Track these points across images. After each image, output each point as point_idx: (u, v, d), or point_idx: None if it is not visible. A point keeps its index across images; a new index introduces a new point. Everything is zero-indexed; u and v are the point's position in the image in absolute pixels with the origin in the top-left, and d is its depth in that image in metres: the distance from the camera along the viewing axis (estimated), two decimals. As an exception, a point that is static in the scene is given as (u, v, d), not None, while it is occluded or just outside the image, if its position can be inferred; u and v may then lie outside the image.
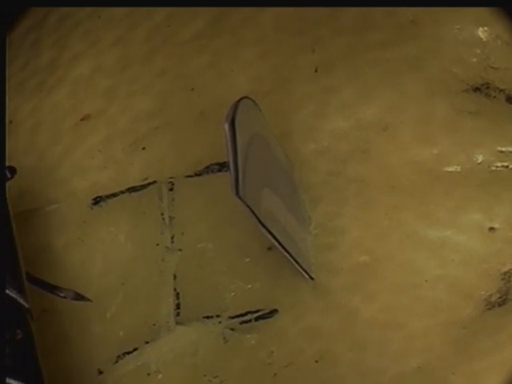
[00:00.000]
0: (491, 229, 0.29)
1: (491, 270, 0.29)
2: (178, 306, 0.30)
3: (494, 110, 0.30)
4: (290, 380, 0.29)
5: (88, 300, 0.31)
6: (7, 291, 0.28)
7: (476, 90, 0.31)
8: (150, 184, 0.32)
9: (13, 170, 0.30)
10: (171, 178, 0.31)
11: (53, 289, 0.30)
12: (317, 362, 0.29)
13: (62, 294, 0.30)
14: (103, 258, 0.31)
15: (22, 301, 0.28)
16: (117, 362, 0.30)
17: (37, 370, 0.28)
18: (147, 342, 0.30)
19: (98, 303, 0.31)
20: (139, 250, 0.31)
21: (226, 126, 0.25)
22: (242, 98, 0.26)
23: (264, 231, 0.27)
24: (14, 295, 0.28)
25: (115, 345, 0.30)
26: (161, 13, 0.33)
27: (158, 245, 0.31)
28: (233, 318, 0.30)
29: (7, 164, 0.30)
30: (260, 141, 0.28)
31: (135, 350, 0.30)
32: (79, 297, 0.31)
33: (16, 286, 0.28)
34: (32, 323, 0.28)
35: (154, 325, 0.30)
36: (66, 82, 0.34)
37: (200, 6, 0.33)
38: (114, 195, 0.32)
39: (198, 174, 0.31)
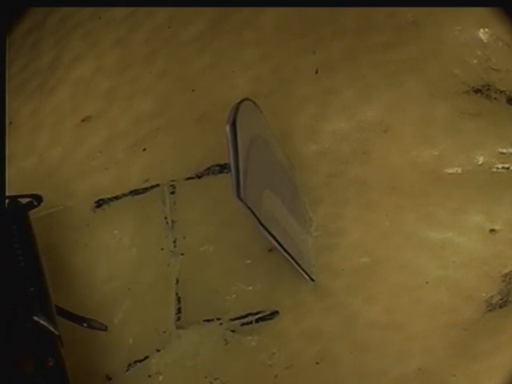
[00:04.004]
0: (492, 230, 0.29)
1: (492, 271, 0.29)
2: (178, 311, 0.30)
3: (494, 112, 0.30)
4: (290, 381, 0.29)
5: (105, 329, 0.30)
6: (37, 319, 0.28)
7: (477, 91, 0.31)
8: (152, 187, 0.31)
9: (39, 198, 0.30)
10: (172, 180, 0.31)
11: (76, 319, 0.30)
12: (317, 363, 0.29)
13: (84, 324, 0.30)
14: (108, 262, 0.31)
15: (51, 328, 0.28)
16: (128, 370, 0.30)
17: None
18: (158, 350, 0.30)
19: (105, 309, 0.31)
20: (145, 254, 0.31)
21: (227, 128, 0.25)
22: (243, 100, 0.27)
23: (265, 233, 0.27)
24: (43, 322, 0.28)
25: (125, 353, 0.30)
26: (161, 14, 0.33)
27: (163, 249, 0.31)
28: (234, 319, 0.30)
29: (34, 192, 0.30)
30: (261, 142, 0.28)
31: (146, 358, 0.30)
32: (102, 326, 0.30)
33: (45, 313, 0.28)
34: (62, 350, 0.28)
35: (164, 332, 0.30)
36: (66, 83, 0.34)
37: (200, 6, 0.33)
38: (117, 198, 0.32)
39: (198, 176, 0.31)
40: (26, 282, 0.28)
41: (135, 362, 0.30)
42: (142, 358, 0.30)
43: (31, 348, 0.27)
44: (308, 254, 0.30)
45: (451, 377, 0.28)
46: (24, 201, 0.30)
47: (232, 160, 0.25)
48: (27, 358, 0.27)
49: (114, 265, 0.31)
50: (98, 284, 0.31)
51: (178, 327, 0.30)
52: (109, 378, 0.30)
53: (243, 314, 0.30)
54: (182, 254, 0.31)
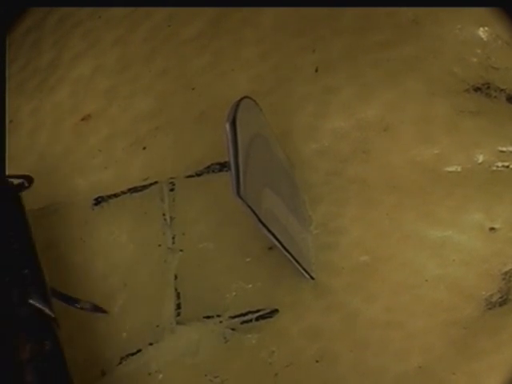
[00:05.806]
0: (492, 229, 0.29)
1: (492, 269, 0.29)
2: (178, 306, 0.30)
3: (494, 110, 0.30)
4: (290, 380, 0.29)
5: (105, 312, 0.30)
6: (32, 301, 0.27)
7: (477, 89, 0.31)
8: (151, 184, 0.32)
9: (30, 179, 0.30)
10: (172, 178, 0.31)
11: (71, 301, 0.30)
12: (317, 361, 0.29)
13: (79, 306, 0.30)
14: (105, 258, 0.31)
15: (47, 310, 0.28)
16: (120, 363, 0.30)
17: (67, 380, 0.27)
18: (151, 344, 0.30)
19: (101, 304, 0.31)
20: (141, 250, 0.31)
21: (227, 126, 0.25)
22: (242, 98, 0.27)
23: (264, 231, 0.27)
24: (39, 305, 0.28)
25: (119, 346, 0.30)
26: (161, 13, 0.33)
27: (160, 246, 0.31)
28: (233, 317, 0.30)
29: (24, 173, 0.30)
30: (261, 141, 0.28)
31: (139, 351, 0.30)
32: (97, 308, 0.30)
33: (41, 296, 0.28)
34: (59, 332, 0.28)
35: (158, 326, 0.30)
36: (66, 82, 0.34)
37: (200, 6, 0.33)
38: (116, 195, 0.32)
39: (198, 174, 0.31)
40: (20, 265, 0.28)
41: (127, 355, 0.30)
42: (135, 351, 0.30)
43: (27, 332, 0.27)
44: (308, 253, 0.30)
45: (451, 375, 0.28)
46: (16, 182, 0.30)
47: (232, 158, 0.25)
48: (23, 342, 0.27)
49: (111, 261, 0.31)
50: (96, 280, 0.31)
51: (178, 323, 0.30)
52: (103, 373, 0.30)
53: (243, 311, 0.30)
54: (181, 251, 0.31)
